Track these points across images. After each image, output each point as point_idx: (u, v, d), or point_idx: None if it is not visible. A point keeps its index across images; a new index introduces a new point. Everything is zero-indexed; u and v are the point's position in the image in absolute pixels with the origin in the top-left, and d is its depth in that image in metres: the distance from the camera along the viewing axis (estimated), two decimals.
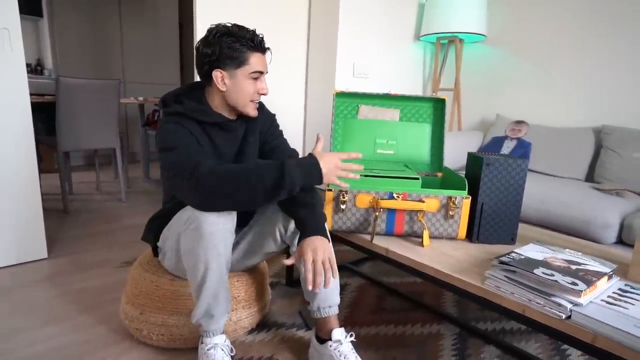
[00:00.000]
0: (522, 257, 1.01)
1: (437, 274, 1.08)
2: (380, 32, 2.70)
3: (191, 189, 0.99)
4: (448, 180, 1.48)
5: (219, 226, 1.02)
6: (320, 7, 2.55)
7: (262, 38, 1.11)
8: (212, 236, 1.02)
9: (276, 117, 1.34)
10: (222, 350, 1.10)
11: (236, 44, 1.07)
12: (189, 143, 1.07)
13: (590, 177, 2.24)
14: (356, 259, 1.99)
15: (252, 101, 1.14)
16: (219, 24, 1.10)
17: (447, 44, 2.93)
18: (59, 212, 2.58)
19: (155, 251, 1.31)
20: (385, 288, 1.72)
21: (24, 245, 1.83)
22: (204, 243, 1.02)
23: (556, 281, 0.88)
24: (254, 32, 1.10)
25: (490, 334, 1.41)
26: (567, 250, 1.09)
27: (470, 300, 1.01)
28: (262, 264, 1.47)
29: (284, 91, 2.67)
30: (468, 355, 1.28)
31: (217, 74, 1.09)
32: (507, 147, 2.51)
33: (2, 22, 1.64)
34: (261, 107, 1.26)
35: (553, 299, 0.87)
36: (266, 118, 1.27)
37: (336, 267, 1.08)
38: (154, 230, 1.26)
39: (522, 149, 2.46)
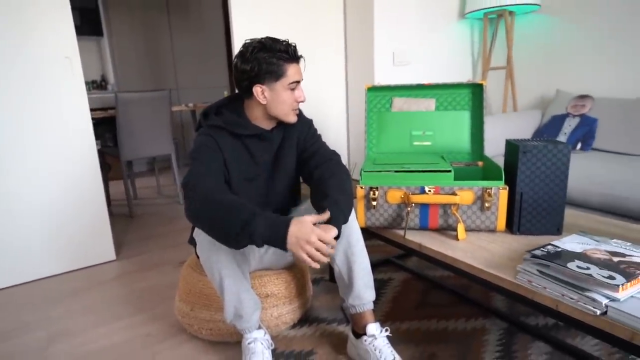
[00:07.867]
0: (559, 249, 0.98)
1: (468, 269, 1.08)
2: (420, 14, 2.63)
3: (187, 202, 1.08)
4: (489, 170, 1.45)
5: None
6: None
7: (295, 47, 1.16)
8: (214, 247, 1.12)
9: (316, 119, 1.40)
10: (262, 344, 1.19)
11: (273, 58, 1.13)
12: (206, 158, 1.16)
13: None
14: (402, 253, 2.00)
15: (292, 110, 1.22)
16: (254, 39, 1.16)
17: (496, 18, 2.79)
18: (125, 217, 2.88)
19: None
20: (431, 282, 1.72)
21: (95, 249, 2.09)
22: (210, 253, 1.13)
23: (590, 275, 0.85)
24: (287, 42, 1.15)
25: (541, 329, 1.37)
26: (614, 240, 1.04)
27: (503, 295, 1.00)
28: None
29: (325, 90, 2.71)
30: (514, 351, 1.26)
31: (257, 89, 1.17)
32: (569, 126, 2.35)
33: (64, 52, 1.88)
34: (298, 114, 1.32)
35: (587, 293, 0.85)
36: (303, 124, 1.32)
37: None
38: None
39: (587, 127, 2.29)
